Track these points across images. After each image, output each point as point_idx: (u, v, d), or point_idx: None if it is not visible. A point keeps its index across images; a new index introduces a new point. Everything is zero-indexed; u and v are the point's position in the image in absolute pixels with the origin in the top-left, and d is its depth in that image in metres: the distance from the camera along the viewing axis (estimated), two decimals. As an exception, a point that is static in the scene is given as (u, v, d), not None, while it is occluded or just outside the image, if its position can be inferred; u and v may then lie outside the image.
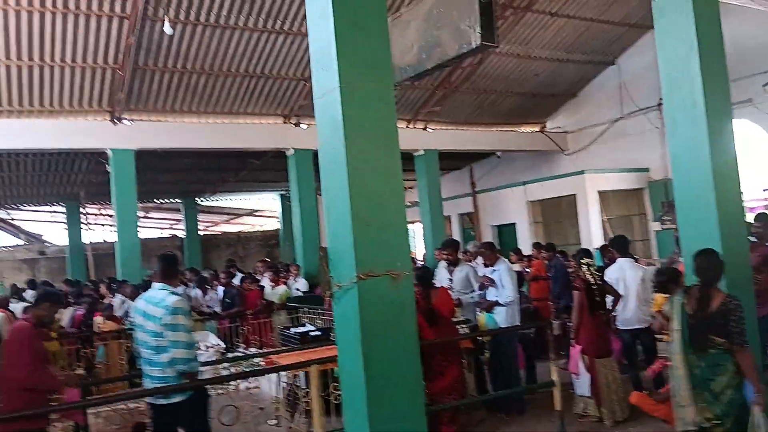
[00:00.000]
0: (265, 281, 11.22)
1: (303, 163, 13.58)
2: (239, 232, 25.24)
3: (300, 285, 11.19)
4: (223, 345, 8.29)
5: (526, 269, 10.24)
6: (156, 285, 4.47)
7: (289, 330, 7.92)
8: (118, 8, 10.12)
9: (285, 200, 21.12)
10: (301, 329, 7.54)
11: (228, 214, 26.55)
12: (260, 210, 26.53)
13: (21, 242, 23.22)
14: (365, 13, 3.58)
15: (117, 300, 9.86)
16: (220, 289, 10.98)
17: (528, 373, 7.07)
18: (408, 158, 15.97)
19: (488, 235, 17.40)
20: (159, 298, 4.34)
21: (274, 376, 6.11)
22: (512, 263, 8.96)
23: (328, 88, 3.56)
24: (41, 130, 11.40)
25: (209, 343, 8.12)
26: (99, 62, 10.95)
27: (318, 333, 7.16)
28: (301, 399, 5.53)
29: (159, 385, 4.21)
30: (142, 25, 10.46)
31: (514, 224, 16.85)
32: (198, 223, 22.04)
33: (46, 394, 4.61)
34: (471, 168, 19.95)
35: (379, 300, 3.38)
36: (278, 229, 23.01)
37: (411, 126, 15.49)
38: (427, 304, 5.58)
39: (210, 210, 24.80)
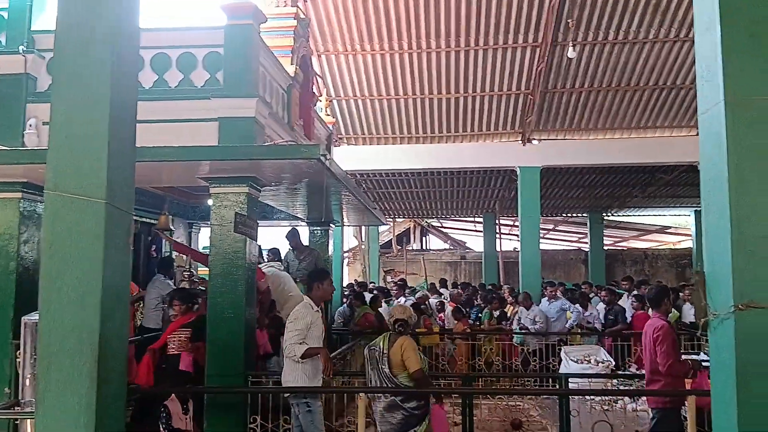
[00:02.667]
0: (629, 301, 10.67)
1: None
2: (647, 249, 24.09)
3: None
4: (612, 362, 8.22)
5: None
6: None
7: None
8: (530, 38, 11.02)
9: (699, 216, 19.30)
10: (693, 357, 6.98)
11: (636, 230, 25.58)
12: (672, 227, 24.81)
13: (447, 247, 26.80)
14: (758, 20, 3.26)
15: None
16: (601, 306, 10.77)
17: None
18: None
19: None
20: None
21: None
22: None
23: (712, 102, 3.37)
24: (464, 152, 13.25)
25: (600, 358, 8.14)
26: (513, 89, 12.10)
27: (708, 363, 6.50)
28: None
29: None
30: (552, 50, 11.15)
31: None
32: (604, 237, 21.87)
33: None
34: None
35: (761, 334, 3.05)
36: (690, 247, 21.18)
37: None
38: None
39: (617, 225, 24.31)
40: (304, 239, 10.02)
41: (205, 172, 5.73)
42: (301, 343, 5.14)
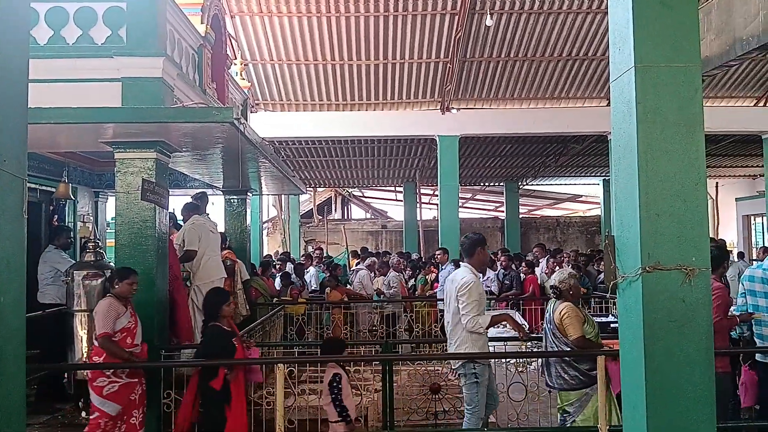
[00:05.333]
0: (541, 267, 11.30)
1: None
2: (559, 216, 25.09)
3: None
4: (526, 324, 8.51)
5: None
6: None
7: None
8: (449, 5, 10.97)
9: (607, 186, 20.25)
10: (602, 319, 7.34)
11: (549, 198, 26.56)
12: (582, 195, 25.91)
13: (369, 216, 26.87)
14: (669, -13, 3.33)
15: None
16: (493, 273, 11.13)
17: None
18: (755, 141, 13.91)
19: None
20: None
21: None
22: None
23: (623, 68, 3.43)
24: (384, 120, 13.18)
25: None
26: (432, 57, 12.05)
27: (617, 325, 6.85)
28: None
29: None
30: (470, 18, 11.16)
31: None
32: (519, 206, 22.57)
33: None
34: None
35: (666, 296, 3.18)
36: (599, 215, 22.22)
37: (761, 105, 13.39)
38: None
39: (532, 194, 25.13)
40: (220, 208, 9.74)
41: (109, 136, 5.38)
42: (479, 314, 5.04)
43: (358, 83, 12.66)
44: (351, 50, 11.88)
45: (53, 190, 7.78)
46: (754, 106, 13.22)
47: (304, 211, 23.63)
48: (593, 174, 20.41)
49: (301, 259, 13.95)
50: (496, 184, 22.46)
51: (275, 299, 9.74)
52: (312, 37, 11.59)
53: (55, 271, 6.83)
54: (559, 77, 12.83)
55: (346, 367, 5.26)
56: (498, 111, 13.34)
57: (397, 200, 25.25)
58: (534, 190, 24.75)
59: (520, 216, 22.69)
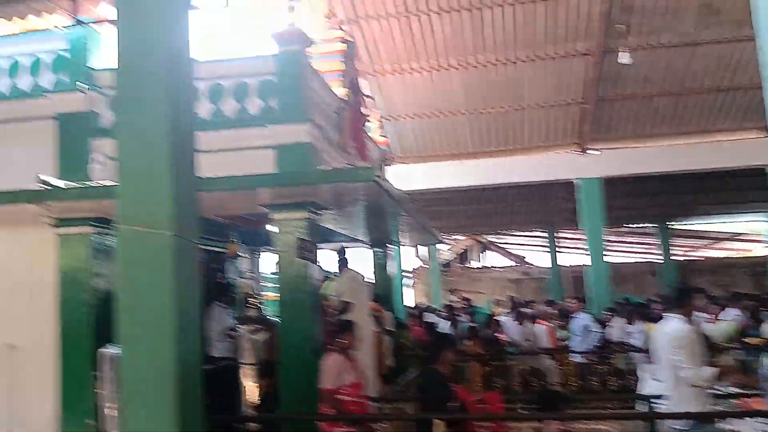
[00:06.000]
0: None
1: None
2: (722, 258, 23.03)
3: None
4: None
5: None
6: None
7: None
8: (580, 47, 10.82)
9: (775, 223, 18.39)
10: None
11: (707, 238, 24.52)
12: (743, 234, 23.66)
13: (509, 263, 26.34)
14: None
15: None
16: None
17: None
18: None
19: None
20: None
21: (751, 420, 5.49)
22: None
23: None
24: (519, 165, 13.05)
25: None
26: (566, 99, 11.88)
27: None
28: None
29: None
30: (603, 58, 10.91)
31: None
32: (674, 248, 21.09)
33: None
34: None
35: None
36: (766, 255, 20.14)
37: None
38: None
39: (687, 234, 23.38)
40: (368, 261, 10.05)
41: (266, 200, 5.82)
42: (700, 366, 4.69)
43: (491, 131, 12.73)
44: (483, 99, 12.03)
45: (215, 249, 8.47)
46: None
47: (444, 260, 23.69)
48: (755, 210, 18.67)
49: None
50: (646, 225, 21.21)
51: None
52: (444, 90, 11.90)
53: (222, 327, 7.31)
54: (708, 110, 12.09)
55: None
56: (642, 149, 12.75)
57: (537, 246, 24.60)
58: (689, 230, 23.03)
59: (676, 258, 21.17)
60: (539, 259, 25.21)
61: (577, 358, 9.84)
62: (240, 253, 8.73)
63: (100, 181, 6.05)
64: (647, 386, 7.36)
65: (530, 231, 22.71)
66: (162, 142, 3.08)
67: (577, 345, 10.04)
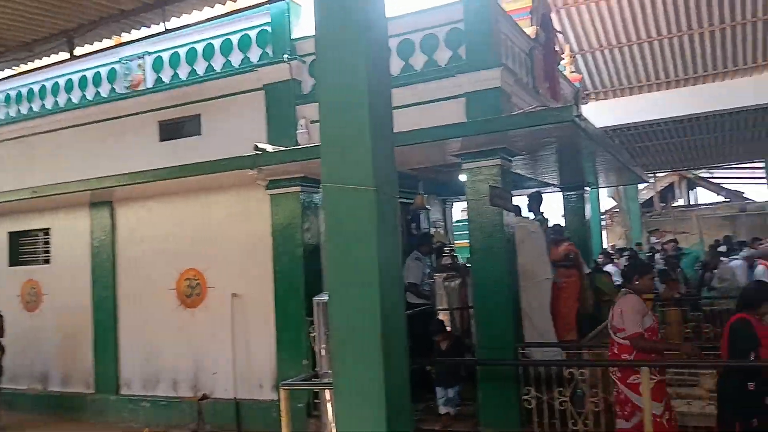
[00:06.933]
0: None
1: None
2: None
3: None
4: None
5: None
6: None
7: None
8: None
9: None
10: None
11: None
12: None
13: (722, 199, 23.78)
14: None
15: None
16: None
17: None
18: None
19: None
20: None
21: None
22: None
23: None
24: (735, 89, 11.58)
25: None
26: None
27: None
28: None
29: None
30: None
31: None
32: None
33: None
34: None
35: None
36: None
37: None
38: None
39: None
40: (558, 205, 9.69)
41: (457, 149, 5.80)
42: None
43: (698, 54, 11.36)
44: (685, 20, 10.73)
45: (408, 201, 8.71)
46: None
47: (643, 200, 22.08)
48: None
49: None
50: None
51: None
52: (642, 14, 10.81)
53: (418, 275, 7.55)
54: None
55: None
56: None
57: (755, 178, 21.86)
58: None
59: None
60: (758, 193, 22.42)
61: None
62: (428, 205, 8.86)
63: (305, 144, 6.48)
64: None
65: (747, 162, 20.16)
66: (361, 103, 3.16)
67: None
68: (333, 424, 4.04)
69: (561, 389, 5.37)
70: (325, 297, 5.01)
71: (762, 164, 18.90)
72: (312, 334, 5.78)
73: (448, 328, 6.47)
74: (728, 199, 23.42)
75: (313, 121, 6.54)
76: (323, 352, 5.23)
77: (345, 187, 3.22)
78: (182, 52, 7.56)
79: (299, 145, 6.65)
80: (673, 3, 10.43)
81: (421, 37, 6.29)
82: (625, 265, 6.30)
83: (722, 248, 12.20)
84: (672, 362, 4.63)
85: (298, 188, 6.51)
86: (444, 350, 6.09)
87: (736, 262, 9.96)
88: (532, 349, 6.08)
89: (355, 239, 3.18)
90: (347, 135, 3.22)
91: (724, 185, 24.36)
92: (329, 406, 5.10)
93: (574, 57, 11.39)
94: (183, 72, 7.55)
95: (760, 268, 9.60)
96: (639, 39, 11.28)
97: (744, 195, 23.60)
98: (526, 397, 5.51)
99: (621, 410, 4.72)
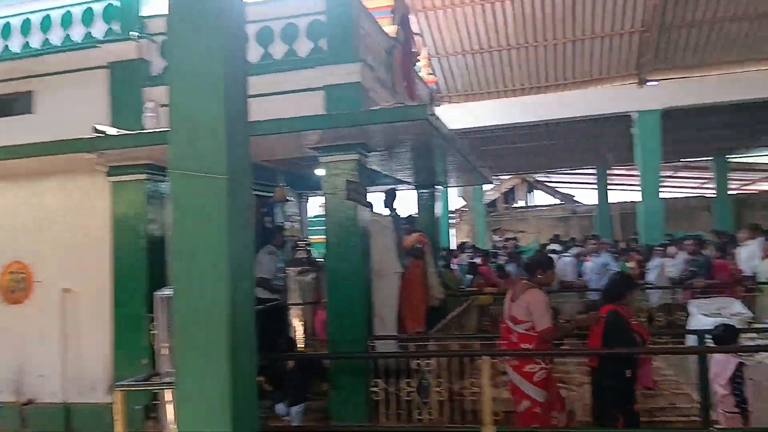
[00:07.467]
0: (746, 251, 9.79)
1: None
2: (781, 191, 22.15)
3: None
4: (750, 313, 7.59)
5: None
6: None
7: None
8: (642, -30, 10.19)
9: None
10: None
11: (765, 171, 23.53)
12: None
13: (557, 202, 25.92)
14: None
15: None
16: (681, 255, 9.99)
17: None
18: None
19: None
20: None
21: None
22: None
23: None
24: (572, 100, 12.57)
25: (734, 310, 7.55)
26: (625, 28, 11.27)
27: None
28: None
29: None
30: (666, -19, 10.27)
31: None
32: (730, 181, 20.33)
33: None
34: None
35: None
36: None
37: None
38: None
39: (744, 167, 22.47)
40: (413, 203, 9.97)
41: (314, 142, 5.73)
42: None
43: (544, 65, 12.25)
44: (533, 32, 11.52)
45: (264, 194, 8.50)
46: None
47: (488, 200, 23.46)
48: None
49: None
50: (702, 158, 20.43)
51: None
52: (494, 24, 11.44)
53: (270, 270, 7.40)
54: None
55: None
56: (706, 79, 12.05)
57: (586, 183, 24.05)
58: (746, 163, 22.10)
59: (732, 192, 20.42)
60: (587, 197, 24.73)
61: (593, 296, 9.66)
62: (288, 197, 8.73)
63: (152, 129, 6.07)
64: (695, 322, 7.28)
65: (580, 168, 22.17)
66: (215, 87, 3.01)
67: (593, 283, 9.99)
68: (173, 426, 3.81)
69: (408, 380, 5.52)
70: (168, 292, 4.73)
71: (593, 171, 20.78)
72: (153, 332, 5.44)
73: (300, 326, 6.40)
74: (562, 202, 25.57)
75: (162, 105, 6.15)
76: (165, 351, 4.93)
77: (194, 174, 3.04)
78: (16, 22, 6.79)
79: (146, 129, 6.23)
80: (522, 16, 11.13)
81: (282, 26, 6.15)
82: (528, 258, 6.57)
83: (556, 246, 13.30)
84: (532, 352, 4.81)
85: (143, 176, 6.08)
86: (291, 369, 5.90)
87: (566, 259, 10.89)
88: (381, 342, 6.20)
89: (204, 230, 3.02)
90: (199, 120, 3.04)
91: (558, 189, 26.57)
92: (170, 407, 4.82)
93: (430, 59, 11.79)
94: (16, 44, 6.79)
95: (587, 264, 10.58)
96: (490, 47, 11.93)
97: (575, 198, 25.92)
98: (374, 389, 5.61)
99: (513, 396, 4.89)
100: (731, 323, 6.22)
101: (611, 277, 5.05)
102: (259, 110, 5.11)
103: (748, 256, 10.04)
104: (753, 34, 11.23)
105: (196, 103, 3.05)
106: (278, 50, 6.17)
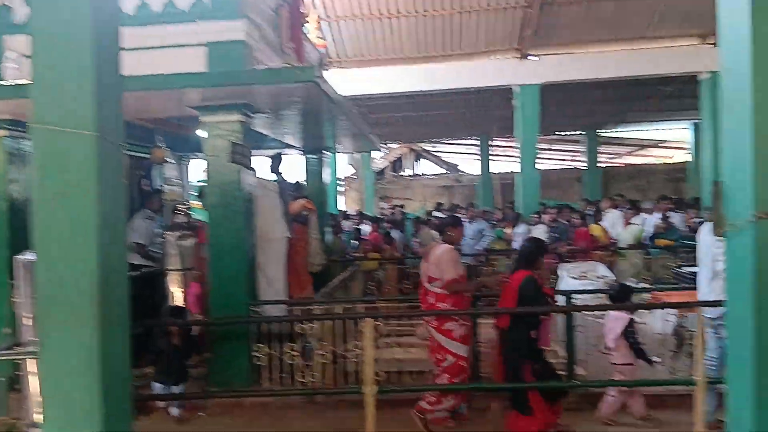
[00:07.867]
0: (609, 218, 10.90)
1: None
2: (642, 164, 24.05)
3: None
4: (613, 276, 8.27)
5: None
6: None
7: (680, 269, 7.71)
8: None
9: (697, 131, 19.12)
10: (694, 269, 7.08)
11: (632, 145, 25.43)
12: (667, 141, 24.65)
13: (442, 171, 26.64)
14: None
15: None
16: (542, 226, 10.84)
17: None
18: None
19: None
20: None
21: (660, 312, 5.97)
22: None
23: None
24: (458, 71, 12.80)
25: (599, 273, 8.20)
26: (509, 3, 11.58)
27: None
28: (686, 341, 5.35)
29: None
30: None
31: None
32: (599, 155, 21.81)
33: None
34: None
35: (780, 243, 2.97)
36: (686, 161, 21.12)
37: None
38: None
39: (613, 141, 24.16)
40: (301, 168, 9.88)
41: (196, 101, 5.51)
42: None
43: (432, 35, 12.39)
44: (422, 0, 11.59)
45: (142, 155, 8.07)
46: None
47: (378, 169, 23.71)
48: (682, 118, 19.32)
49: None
50: (575, 132, 21.72)
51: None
52: (384, -11, 11.39)
53: (147, 234, 7.06)
54: (649, 15, 12.00)
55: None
56: (582, 56, 12.68)
57: (470, 153, 24.87)
58: (615, 138, 23.77)
59: (601, 165, 21.92)
60: (471, 167, 25.60)
61: (468, 260, 10.18)
62: (167, 159, 8.34)
63: (13, 80, 5.56)
64: (564, 284, 7.90)
65: (464, 139, 22.86)
66: (82, 36, 2.78)
67: (468, 248, 10.50)
68: (38, 398, 3.58)
69: (292, 344, 5.55)
70: (31, 256, 4.40)
71: (476, 142, 21.48)
72: (15, 299, 5.05)
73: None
74: (447, 171, 26.33)
75: (26, 56, 5.62)
76: (27, 319, 4.61)
77: (59, 129, 2.81)
78: None
79: (7, 81, 5.68)
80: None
81: (162, -25, 5.77)
82: (438, 219, 7.01)
83: (439, 214, 13.75)
84: (455, 311, 5.02)
85: (4, 132, 5.60)
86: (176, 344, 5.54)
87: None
88: (266, 306, 6.16)
89: (71, 190, 2.81)
90: (65, 72, 2.80)
91: (443, 158, 27.30)
92: (33, 379, 4.53)
93: (320, 23, 11.58)
94: None
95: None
96: (380, 14, 11.88)
97: (458, 168, 26.77)
98: (256, 353, 5.59)
99: (434, 357, 5.06)
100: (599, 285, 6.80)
101: (524, 244, 5.19)
102: (137, 64, 4.84)
103: (610, 224, 10.92)
104: (621, 14, 11.93)
105: (60, 54, 2.80)
106: (158, 1, 5.79)
